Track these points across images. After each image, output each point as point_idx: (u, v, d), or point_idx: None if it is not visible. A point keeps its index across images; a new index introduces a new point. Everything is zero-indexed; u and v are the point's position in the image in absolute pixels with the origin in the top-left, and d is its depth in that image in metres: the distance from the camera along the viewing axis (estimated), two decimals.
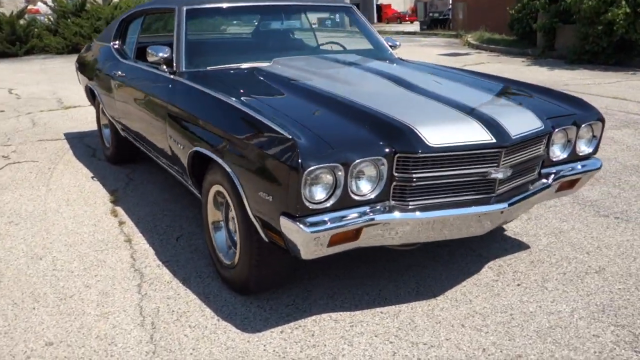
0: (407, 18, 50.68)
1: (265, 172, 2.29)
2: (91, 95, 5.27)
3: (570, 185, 2.98)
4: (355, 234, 2.32)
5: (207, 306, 2.76)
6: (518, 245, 3.38)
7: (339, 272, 3.05)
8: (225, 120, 2.64)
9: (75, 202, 4.23)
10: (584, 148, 2.99)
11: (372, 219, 2.27)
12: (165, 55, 3.39)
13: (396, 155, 2.31)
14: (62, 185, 4.63)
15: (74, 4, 19.00)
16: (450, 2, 26.22)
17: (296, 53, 3.90)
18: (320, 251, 2.28)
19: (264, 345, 2.44)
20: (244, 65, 3.47)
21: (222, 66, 3.47)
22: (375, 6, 54.11)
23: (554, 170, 2.88)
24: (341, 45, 4.27)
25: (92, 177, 4.82)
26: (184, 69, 3.38)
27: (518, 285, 2.92)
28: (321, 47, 4.27)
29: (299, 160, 2.11)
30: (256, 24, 4.39)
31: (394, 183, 2.36)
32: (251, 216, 2.44)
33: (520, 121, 2.60)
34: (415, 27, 31.66)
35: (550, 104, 2.99)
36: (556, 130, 2.79)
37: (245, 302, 2.77)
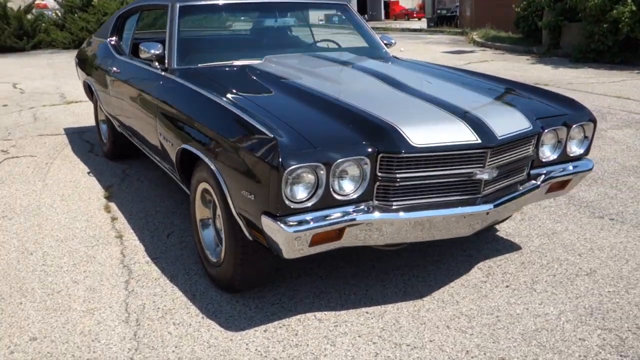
0: (415, 15, 50.51)
1: (248, 171, 2.28)
2: (89, 90, 5.28)
3: (561, 186, 2.96)
4: (338, 233, 2.31)
5: (193, 304, 2.75)
6: (510, 246, 3.36)
7: (327, 271, 3.04)
8: (210, 118, 2.63)
9: (70, 197, 4.24)
10: (575, 149, 2.96)
11: (354, 219, 2.26)
12: (157, 52, 3.39)
13: (379, 155, 2.29)
14: (58, 180, 4.65)
15: None
16: None
17: (289, 51, 3.88)
18: (302, 251, 2.28)
19: (247, 344, 2.44)
20: (236, 63, 3.47)
21: (213, 63, 3.46)
22: (382, 3, 53.96)
23: (544, 171, 2.86)
24: (336, 43, 4.25)
25: (89, 173, 4.83)
26: (175, 66, 3.38)
27: (507, 286, 2.90)
28: (316, 45, 4.25)
29: (280, 159, 2.10)
30: (250, 21, 4.38)
31: (378, 183, 2.34)
32: (235, 214, 2.44)
33: (507, 121, 2.57)
34: (423, 24, 31.52)
35: (541, 104, 2.96)
36: (546, 130, 2.76)
37: (231, 300, 2.76)
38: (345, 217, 2.27)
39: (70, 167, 5.00)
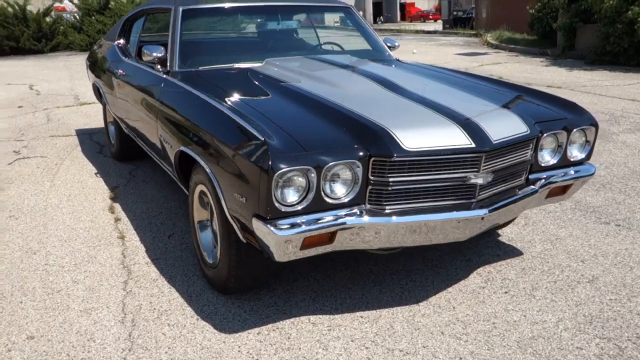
0: (430, 16, 50.36)
1: (239, 174, 2.29)
2: (98, 92, 5.34)
3: (562, 191, 2.92)
4: (330, 237, 2.30)
5: (189, 305, 2.77)
6: (511, 252, 3.33)
7: (324, 274, 3.04)
8: (205, 120, 2.65)
9: (76, 197, 4.29)
10: (576, 153, 2.92)
11: (344, 223, 2.25)
12: (160, 55, 3.42)
13: (371, 159, 2.28)
14: (66, 181, 4.70)
15: (98, 2, 19.30)
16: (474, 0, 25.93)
17: (291, 54, 3.88)
18: (293, 254, 2.27)
19: (239, 347, 2.44)
20: (236, 66, 3.48)
21: (214, 66, 3.48)
22: (398, 4, 53.85)
23: (544, 176, 2.82)
24: (339, 46, 4.24)
25: (96, 174, 4.88)
26: (176, 69, 3.41)
27: (505, 292, 2.87)
28: (319, 48, 4.25)
29: (269, 162, 2.10)
30: (253, 24, 4.39)
31: (370, 187, 2.33)
32: (229, 217, 2.44)
33: (503, 125, 2.55)
34: (438, 25, 31.40)
35: (541, 108, 2.92)
36: (545, 134, 2.73)
37: (227, 302, 2.77)
38: (337, 221, 2.26)
39: (78, 168, 5.06)
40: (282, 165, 2.11)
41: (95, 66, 5.34)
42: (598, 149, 5.33)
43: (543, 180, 2.80)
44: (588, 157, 2.96)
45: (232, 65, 3.51)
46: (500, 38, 16.22)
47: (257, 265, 2.63)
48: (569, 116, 2.86)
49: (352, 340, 2.48)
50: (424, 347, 2.43)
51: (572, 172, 2.90)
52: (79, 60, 14.88)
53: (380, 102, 2.77)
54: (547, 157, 2.84)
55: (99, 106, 7.69)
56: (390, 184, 2.32)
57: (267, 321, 2.63)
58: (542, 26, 14.14)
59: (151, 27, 4.75)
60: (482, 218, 2.47)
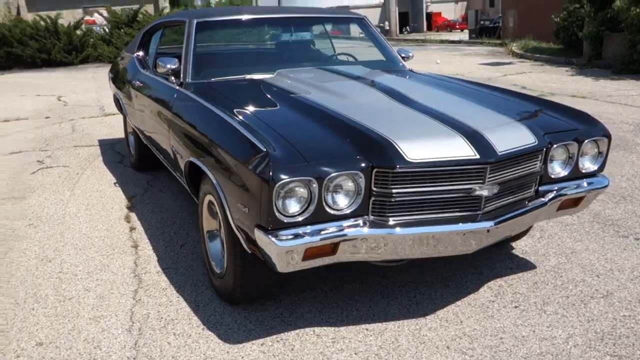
0: (457, 26, 50.07)
1: (242, 184, 2.30)
2: (118, 103, 5.45)
3: (574, 203, 2.86)
4: (333, 248, 2.30)
5: (196, 315, 2.78)
6: (524, 265, 3.27)
7: (332, 286, 3.03)
8: (211, 131, 2.68)
9: (94, 207, 4.36)
10: (588, 165, 2.86)
11: (346, 234, 2.25)
12: (173, 67, 3.47)
13: (374, 170, 2.28)
14: (85, 190, 4.79)
15: (126, 15, 19.76)
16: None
17: (304, 65, 3.90)
18: (295, 265, 2.27)
19: (242, 357, 2.44)
20: (248, 77, 3.52)
21: (226, 77, 3.52)
22: (425, 14, 53.71)
23: (555, 188, 2.77)
24: (353, 57, 4.25)
25: (115, 183, 4.96)
26: (189, 80, 3.45)
27: (515, 307, 2.82)
28: (332, 59, 4.26)
29: (270, 173, 2.11)
30: (266, 36, 4.44)
31: (373, 198, 2.32)
32: (234, 227, 2.46)
33: (510, 136, 2.52)
34: (464, 35, 31.19)
35: (552, 119, 2.88)
36: (555, 146, 2.69)
37: (233, 313, 2.78)
38: (339, 232, 2.26)
39: (98, 177, 5.15)
40: (283, 176, 2.12)
41: (116, 78, 5.46)
42: (620, 160, 5.22)
43: (554, 192, 2.75)
44: (601, 168, 2.90)
45: (244, 76, 3.55)
46: (526, 47, 16.04)
47: (262, 276, 2.63)
48: (580, 127, 2.81)
49: (355, 353, 2.46)
50: None
51: (584, 184, 2.85)
52: (107, 72, 15.20)
53: (386, 113, 2.76)
54: (557, 169, 2.79)
55: (122, 117, 7.88)
56: (394, 195, 2.31)
57: (272, 332, 2.63)
58: (567, 35, 13.94)
59: (169, 39, 4.83)
60: (488, 230, 2.44)
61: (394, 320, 2.71)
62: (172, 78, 3.54)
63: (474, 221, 2.44)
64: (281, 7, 4.07)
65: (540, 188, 2.74)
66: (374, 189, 2.31)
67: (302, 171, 2.17)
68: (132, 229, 3.91)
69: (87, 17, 22.89)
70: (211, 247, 2.99)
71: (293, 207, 2.21)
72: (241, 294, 2.71)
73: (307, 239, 2.21)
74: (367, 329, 2.64)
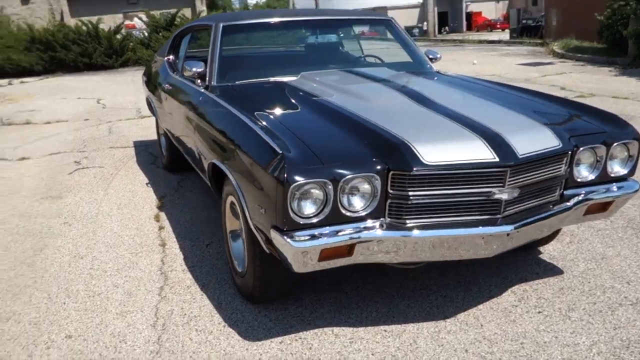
0: (498, 25, 49.19)
1: (260, 185, 2.34)
2: (150, 106, 5.58)
3: (602, 208, 2.79)
4: (349, 250, 2.31)
5: (218, 312, 2.84)
6: (551, 270, 3.21)
7: (353, 286, 3.04)
8: (231, 133, 2.73)
9: (126, 206, 4.48)
10: (617, 169, 2.79)
11: (360, 236, 2.26)
12: (199, 70, 3.54)
13: (390, 172, 2.28)
14: (118, 190, 4.93)
15: (165, 19, 20.17)
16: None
17: (328, 67, 3.92)
18: (311, 265, 2.29)
19: (260, 355, 2.48)
20: (272, 80, 3.56)
21: (250, 80, 3.57)
22: (464, 14, 53.00)
23: (583, 192, 2.72)
24: (379, 59, 4.25)
25: (147, 184, 5.08)
26: (215, 83, 3.52)
27: (539, 312, 2.77)
28: (358, 61, 4.27)
29: (285, 175, 2.14)
30: (292, 38, 4.47)
31: (390, 200, 2.32)
32: (252, 228, 2.50)
33: (532, 139, 2.48)
34: (505, 35, 30.63)
35: (579, 121, 2.82)
36: (581, 149, 2.63)
37: (254, 311, 2.82)
38: (354, 234, 2.27)
39: (131, 178, 5.29)
40: (298, 178, 2.15)
41: (148, 81, 5.59)
42: None
43: (580, 196, 2.69)
44: (631, 172, 2.82)
45: (268, 79, 3.59)
46: (567, 47, 15.65)
47: (280, 276, 2.67)
48: (608, 129, 2.74)
49: (372, 354, 2.47)
50: None
51: (614, 188, 2.78)
52: None
53: (406, 116, 2.76)
54: (584, 173, 2.73)
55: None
56: (410, 197, 2.31)
57: (291, 331, 2.65)
58: (611, 34, 13.53)
59: (198, 43, 4.92)
60: (508, 234, 2.40)
61: (413, 323, 2.71)
62: (198, 81, 3.61)
63: (493, 225, 2.41)
64: (307, 9, 4.10)
65: (566, 192, 2.69)
66: (391, 191, 2.31)
67: (317, 173, 2.19)
68: (161, 228, 4.00)
69: (127, 22, 23.44)
70: (234, 247, 3.03)
71: (309, 208, 2.23)
72: (260, 293, 2.75)
73: (322, 240, 2.22)
74: (385, 330, 2.65)
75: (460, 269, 3.20)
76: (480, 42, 24.94)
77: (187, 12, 23.20)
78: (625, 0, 12.87)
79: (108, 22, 21.13)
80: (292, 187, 2.13)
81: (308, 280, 3.05)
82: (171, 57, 4.89)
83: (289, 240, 2.19)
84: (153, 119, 8.20)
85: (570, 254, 3.39)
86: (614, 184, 2.79)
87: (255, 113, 2.81)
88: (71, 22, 22.05)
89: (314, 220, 2.22)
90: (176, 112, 4.09)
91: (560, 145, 2.53)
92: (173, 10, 20.61)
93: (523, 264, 3.27)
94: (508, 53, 17.74)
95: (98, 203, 4.58)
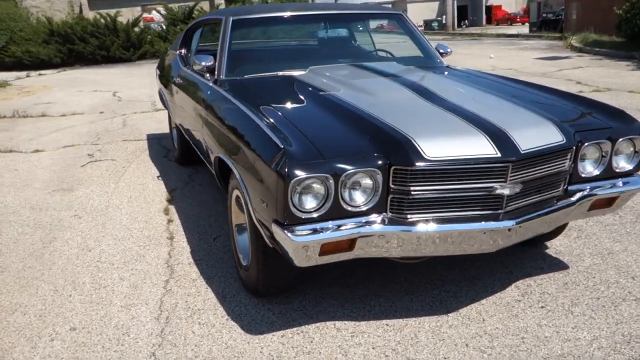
0: (518, 19, 48.66)
1: (262, 179, 2.35)
2: (162, 99, 5.63)
3: (607, 203, 2.77)
4: (350, 244, 2.32)
5: (221, 305, 2.87)
6: (556, 265, 3.19)
7: (357, 280, 3.05)
8: (236, 127, 2.75)
9: (136, 199, 4.54)
10: (623, 164, 2.77)
11: (361, 231, 2.26)
12: (209, 64, 3.56)
13: (392, 167, 2.28)
14: (129, 183, 4.98)
15: (182, 12, 20.26)
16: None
17: (338, 61, 3.92)
18: (312, 260, 2.31)
19: (262, 348, 2.51)
20: (280, 74, 3.57)
21: (258, 75, 3.58)
22: (484, 7, 52.48)
23: (588, 187, 2.70)
24: (389, 53, 4.23)
25: (158, 177, 5.13)
26: (223, 77, 3.53)
27: (542, 307, 2.76)
28: (368, 55, 4.26)
29: (286, 169, 2.15)
30: (301, 32, 4.47)
31: (391, 195, 2.33)
32: (255, 221, 2.52)
33: (535, 134, 2.46)
34: (524, 28, 30.22)
35: (585, 116, 2.80)
36: (586, 144, 2.61)
37: (258, 304, 2.85)
38: (355, 229, 2.28)
39: (143, 171, 5.34)
40: (299, 172, 2.16)
41: (161, 74, 5.63)
42: None
43: (584, 192, 2.67)
44: (638, 168, 2.79)
45: (276, 73, 3.60)
46: (585, 41, 15.41)
47: (283, 270, 2.68)
48: (614, 125, 2.71)
49: (373, 348, 2.48)
50: (445, 358, 2.39)
51: (619, 184, 2.76)
52: None
53: (410, 111, 2.75)
54: (589, 168, 2.71)
55: None
56: (412, 192, 2.31)
57: (294, 324, 2.68)
58: (630, 27, 13.31)
59: (210, 37, 4.95)
60: (509, 230, 2.40)
61: (415, 317, 2.71)
62: (207, 75, 3.63)
63: (495, 220, 2.41)
64: (318, 3, 4.07)
65: (570, 187, 2.67)
66: (392, 186, 2.32)
67: (318, 168, 2.20)
68: (169, 221, 4.04)
69: (146, 15, 23.57)
70: (239, 241, 3.06)
71: (309, 203, 2.24)
72: (264, 286, 2.77)
73: (323, 234, 2.24)
74: (387, 324, 2.66)
75: (465, 264, 3.19)
76: (499, 35, 24.66)
77: (205, 5, 23.23)
78: None
79: (126, 15, 21.25)
80: (293, 181, 2.15)
81: (312, 274, 3.07)
82: (183, 50, 4.92)
83: (289, 234, 2.21)
84: (167, 112, 8.35)
85: (576, 249, 3.37)
86: (620, 179, 2.77)
87: (261, 107, 2.82)
88: (90, 14, 22.23)
89: (315, 215, 2.23)
90: (186, 106, 4.12)
91: (564, 141, 2.51)
92: (191, 3, 20.67)
93: (528, 259, 3.26)
94: (526, 47, 17.53)
95: (109, 196, 4.64)
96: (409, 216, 2.35)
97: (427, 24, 41.85)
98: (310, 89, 3.19)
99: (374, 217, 2.33)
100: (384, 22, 6.04)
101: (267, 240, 2.51)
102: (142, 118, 8.16)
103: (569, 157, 2.57)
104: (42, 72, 16.47)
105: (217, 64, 3.60)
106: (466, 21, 49.06)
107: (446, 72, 3.76)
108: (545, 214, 2.51)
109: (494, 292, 2.92)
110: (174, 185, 4.86)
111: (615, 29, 14.71)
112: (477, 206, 2.40)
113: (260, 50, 4.31)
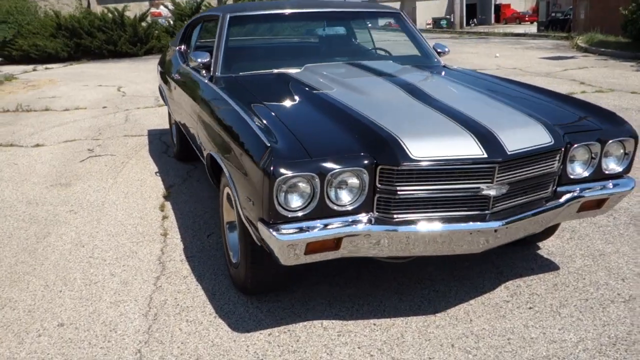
0: (527, 18, 48.37)
1: (248, 178, 2.36)
2: (162, 95, 5.64)
3: (596, 205, 2.76)
4: (336, 243, 2.32)
5: (210, 303, 2.88)
6: (547, 266, 3.18)
7: (346, 279, 3.05)
8: (226, 124, 2.75)
9: (133, 195, 4.55)
10: (613, 166, 2.75)
11: (347, 230, 2.27)
12: (204, 61, 3.57)
13: (378, 167, 2.28)
14: (127, 178, 5.00)
15: (190, 7, 20.27)
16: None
17: (334, 59, 3.91)
18: (298, 259, 2.31)
19: (247, 346, 2.51)
20: (276, 71, 3.57)
21: (253, 72, 3.58)
22: (493, 6, 52.20)
23: (577, 189, 2.69)
24: (387, 52, 4.22)
25: (156, 173, 5.15)
26: (219, 74, 3.54)
27: (530, 308, 2.76)
28: (365, 53, 4.25)
29: (272, 168, 2.16)
30: (299, 30, 4.47)
31: (378, 195, 2.33)
32: (243, 219, 2.53)
33: (523, 135, 2.45)
34: (533, 28, 30.05)
35: (575, 118, 2.79)
36: (575, 146, 2.60)
37: (246, 302, 2.86)
38: (341, 228, 2.28)
39: (142, 167, 5.36)
40: (284, 171, 2.16)
41: (162, 70, 5.65)
42: None
43: (573, 193, 2.66)
44: (627, 170, 2.78)
45: (271, 70, 3.60)
46: (591, 41, 15.30)
47: (271, 268, 2.69)
48: (604, 127, 2.70)
49: (358, 347, 2.49)
50: (430, 358, 2.39)
51: (609, 185, 2.75)
52: None
53: (401, 110, 2.75)
54: (578, 170, 2.70)
55: None
56: (398, 192, 2.31)
57: (281, 323, 2.68)
58: (635, 28, 13.21)
59: (209, 33, 4.95)
60: (496, 230, 2.39)
61: (402, 316, 2.71)
62: (204, 71, 3.64)
63: (482, 220, 2.40)
64: (316, 1, 4.05)
65: (559, 188, 2.67)
66: (379, 185, 2.32)
67: (304, 167, 2.20)
68: (164, 217, 4.06)
69: (153, 10, 23.63)
70: (230, 238, 3.07)
71: (295, 202, 2.24)
72: (252, 284, 2.78)
73: (308, 233, 2.24)
74: (374, 324, 2.66)
75: (456, 264, 3.19)
76: (506, 34, 24.51)
77: (212, 0, 23.26)
78: None
79: (134, 9, 21.30)
80: (278, 180, 2.15)
81: (302, 273, 3.07)
82: (182, 46, 4.93)
83: (275, 233, 2.21)
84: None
85: (568, 250, 3.36)
86: (610, 181, 2.76)
87: (252, 105, 2.83)
88: (98, 9, 22.28)
89: (300, 213, 2.24)
90: (183, 102, 4.13)
91: (552, 142, 2.50)
92: None
93: (519, 260, 3.25)
94: (532, 46, 17.43)
95: (106, 191, 4.66)
96: (395, 216, 2.35)
97: (436, 22, 41.69)
98: (303, 87, 3.19)
99: (360, 216, 2.33)
100: (392, 20, 6.02)
101: (255, 239, 2.51)
102: (144, 113, 8.19)
103: (557, 158, 2.56)
104: (49, 66, 16.53)
105: (213, 60, 3.61)
106: (475, 20, 48.82)
107: (441, 72, 3.75)
108: (533, 215, 2.51)
109: (483, 292, 2.92)
110: (172, 181, 4.88)
111: (621, 30, 14.60)
112: (464, 206, 2.40)
113: (257, 48, 4.31)
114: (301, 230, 2.25)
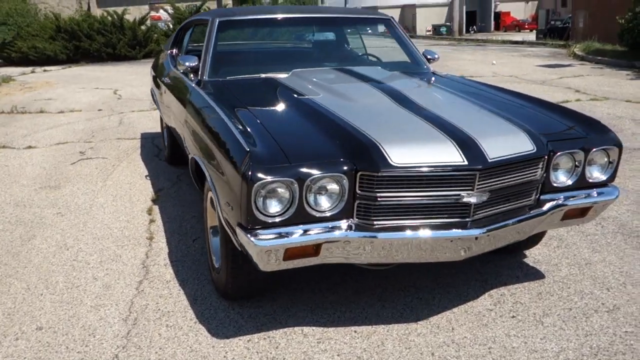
0: (526, 26, 48.42)
1: (228, 182, 2.35)
2: (153, 98, 5.63)
3: (580, 213, 2.75)
4: (315, 249, 2.31)
5: (192, 308, 2.85)
6: (532, 274, 3.17)
7: (329, 285, 3.03)
8: (208, 128, 2.74)
9: (121, 198, 4.53)
10: (597, 175, 2.74)
11: (326, 236, 2.25)
12: (192, 65, 3.57)
13: (358, 173, 2.27)
14: (117, 182, 4.98)
15: (189, 12, 20.29)
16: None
17: (323, 65, 3.90)
18: (276, 264, 2.30)
19: (226, 352, 2.49)
20: (263, 76, 3.56)
21: (240, 76, 3.57)
22: (493, 14, 52.31)
23: (561, 197, 2.67)
24: (376, 57, 4.22)
25: (146, 176, 5.13)
26: (206, 78, 3.53)
27: (512, 317, 2.74)
28: (354, 59, 4.24)
29: (250, 172, 2.14)
30: (287, 35, 4.46)
31: (358, 201, 2.31)
32: (224, 223, 2.51)
33: (505, 143, 2.44)
34: (531, 36, 30.09)
35: (560, 126, 2.78)
36: (559, 154, 2.59)
37: (228, 308, 2.83)
38: (320, 234, 2.26)
39: (132, 170, 5.35)
40: (262, 176, 2.15)
41: (154, 74, 5.64)
42: None
43: (557, 201, 2.65)
44: (611, 179, 2.77)
45: (259, 75, 3.59)
46: (588, 49, 15.33)
47: (251, 274, 2.66)
48: (588, 135, 2.69)
49: (338, 355, 2.46)
50: None
51: (593, 194, 2.73)
52: None
53: (383, 117, 2.74)
54: (562, 178, 2.68)
55: None
56: (378, 198, 2.30)
57: (261, 329, 2.66)
58: (632, 37, 13.24)
59: (200, 37, 4.95)
60: (476, 238, 2.38)
61: (384, 324, 2.69)
62: (192, 75, 3.63)
63: (463, 228, 2.39)
64: (306, 6, 4.08)
65: (543, 197, 2.65)
66: (359, 191, 2.30)
67: (283, 172, 2.19)
68: (152, 221, 4.04)
69: (153, 13, 23.65)
70: (213, 243, 3.05)
71: (274, 207, 2.23)
72: (233, 289, 2.76)
73: (286, 239, 2.23)
74: (355, 331, 2.64)
75: (441, 271, 3.17)
76: (504, 42, 24.55)
77: (212, 4, 23.27)
78: None
79: (134, 13, 21.33)
80: (256, 185, 2.14)
81: (285, 279, 3.05)
82: (174, 50, 4.92)
83: (252, 238, 2.20)
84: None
85: (554, 259, 3.34)
86: (594, 189, 2.75)
87: (236, 110, 2.82)
88: (98, 12, 22.32)
89: (279, 219, 2.22)
90: (172, 105, 4.12)
91: (534, 150, 2.49)
92: (198, 3, 20.69)
93: (505, 268, 3.24)
94: (529, 54, 17.46)
95: (94, 194, 4.64)
96: (375, 222, 2.34)
97: (436, 29, 41.77)
98: (289, 92, 3.18)
99: (340, 222, 2.32)
100: (364, 28, 6.02)
101: (236, 244, 2.50)
102: (138, 117, 8.17)
103: (540, 166, 2.54)
104: (47, 68, 16.52)
105: (201, 64, 3.60)
106: (474, 27, 48.90)
107: (429, 79, 3.74)
108: (516, 223, 2.49)
109: (467, 300, 2.90)
110: (161, 185, 4.86)
111: (618, 38, 14.63)
112: (444, 214, 2.38)
113: (245, 52, 4.30)
114: (280, 235, 2.23)
